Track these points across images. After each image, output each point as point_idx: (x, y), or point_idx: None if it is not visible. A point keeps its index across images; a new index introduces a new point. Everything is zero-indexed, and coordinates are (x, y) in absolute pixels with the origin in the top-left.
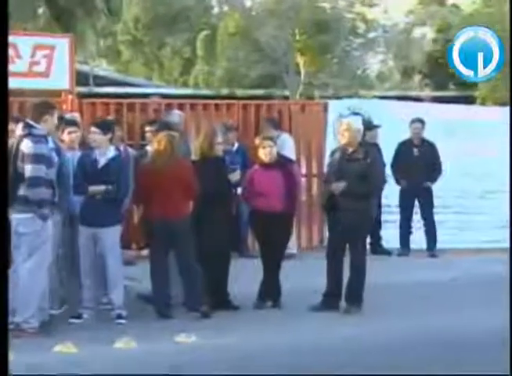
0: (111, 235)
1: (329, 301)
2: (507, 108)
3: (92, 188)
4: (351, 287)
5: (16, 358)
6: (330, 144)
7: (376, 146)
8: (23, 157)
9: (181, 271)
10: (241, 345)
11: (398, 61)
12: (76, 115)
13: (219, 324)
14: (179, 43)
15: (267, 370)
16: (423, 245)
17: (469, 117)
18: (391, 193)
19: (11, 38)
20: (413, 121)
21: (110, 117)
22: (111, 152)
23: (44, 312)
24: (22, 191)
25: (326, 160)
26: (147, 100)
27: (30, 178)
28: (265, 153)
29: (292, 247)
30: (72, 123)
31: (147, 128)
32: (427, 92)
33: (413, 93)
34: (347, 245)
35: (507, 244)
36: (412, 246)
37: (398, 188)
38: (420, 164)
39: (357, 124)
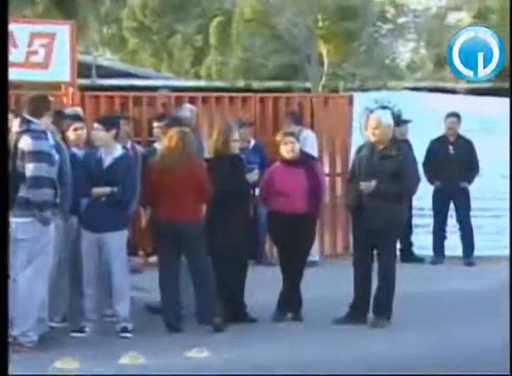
0: (116, 240)
1: (356, 313)
2: None
3: (96, 190)
4: (380, 298)
5: (13, 374)
6: (356, 140)
7: (406, 142)
8: (23, 155)
9: (193, 280)
10: (258, 362)
11: (431, 49)
12: (78, 110)
13: (234, 338)
14: (190, 31)
15: None
16: (459, 252)
17: (508, 111)
18: (423, 194)
19: None
20: (448, 116)
21: (116, 112)
22: (118, 150)
23: (43, 324)
24: (22, 192)
25: (352, 157)
26: (155, 93)
27: (31, 178)
28: (286, 150)
29: (314, 254)
30: (77, 118)
31: (155, 124)
32: (463, 84)
33: (447, 84)
34: (377, 252)
35: None
36: (447, 253)
37: (431, 189)
38: (455, 162)
39: (387, 118)
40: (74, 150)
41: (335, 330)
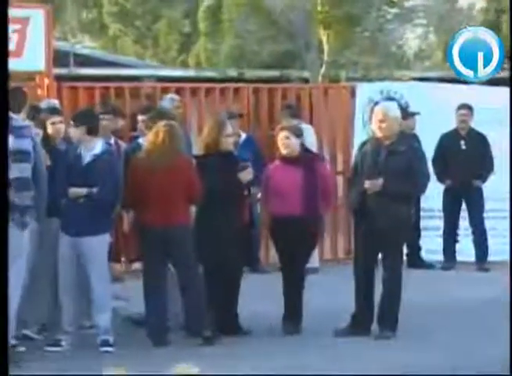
0: (96, 246)
1: (359, 324)
2: None
3: (74, 190)
4: (385, 307)
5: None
6: (359, 135)
7: (414, 137)
8: None
9: (180, 288)
10: None
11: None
12: (54, 102)
13: (226, 352)
14: (177, 15)
15: None
16: (472, 257)
17: None
18: (432, 194)
19: None
20: (459, 108)
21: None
22: (98, 147)
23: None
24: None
25: (354, 154)
26: (139, 84)
27: (14, 179)
28: (283, 146)
29: (314, 260)
30: (54, 112)
31: (140, 117)
32: None
33: None
34: (380, 257)
35: None
36: (458, 258)
37: (441, 188)
38: (467, 159)
39: (394, 111)
40: (61, 146)
41: (336, 343)
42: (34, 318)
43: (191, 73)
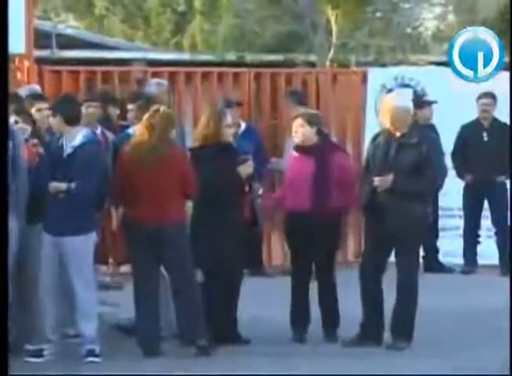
0: (80, 246)
1: (368, 333)
2: None
3: (54, 184)
4: (399, 315)
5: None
6: (370, 125)
7: (431, 128)
8: None
9: (174, 293)
10: None
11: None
12: (36, 87)
13: (223, 363)
14: None
15: None
16: (495, 259)
17: None
18: (451, 190)
19: None
20: (482, 96)
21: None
22: (78, 138)
23: None
24: None
25: (366, 146)
26: (128, 68)
27: None
28: (297, 135)
29: None
30: (38, 97)
31: (130, 106)
32: None
33: None
34: (395, 260)
35: None
36: (480, 261)
37: (461, 184)
38: (490, 152)
39: (403, 100)
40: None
41: (345, 353)
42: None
43: (185, 56)
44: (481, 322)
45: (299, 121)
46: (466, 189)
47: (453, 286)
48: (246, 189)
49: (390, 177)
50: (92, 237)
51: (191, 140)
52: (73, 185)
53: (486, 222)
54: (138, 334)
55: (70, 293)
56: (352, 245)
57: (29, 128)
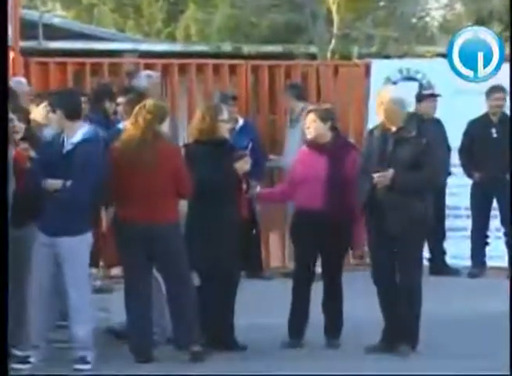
0: (77, 247)
1: (390, 339)
2: None
3: (49, 181)
4: (401, 318)
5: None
6: (374, 120)
7: (438, 123)
8: None
9: (168, 297)
10: None
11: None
12: (21, 80)
13: (219, 370)
14: None
15: None
16: (504, 262)
17: None
18: (459, 189)
19: None
20: (491, 90)
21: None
22: (79, 134)
23: None
24: None
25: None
26: (119, 60)
27: None
28: (309, 130)
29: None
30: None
31: (120, 99)
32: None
33: None
34: (397, 260)
35: None
36: (489, 263)
37: (468, 183)
38: (499, 149)
39: (397, 93)
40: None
41: (345, 357)
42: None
43: (179, 47)
44: (490, 327)
45: (312, 116)
46: (474, 187)
47: (460, 289)
48: (244, 186)
49: (390, 172)
50: (89, 238)
51: (185, 136)
52: (68, 183)
53: (495, 222)
54: (130, 338)
55: (62, 296)
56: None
57: (23, 127)
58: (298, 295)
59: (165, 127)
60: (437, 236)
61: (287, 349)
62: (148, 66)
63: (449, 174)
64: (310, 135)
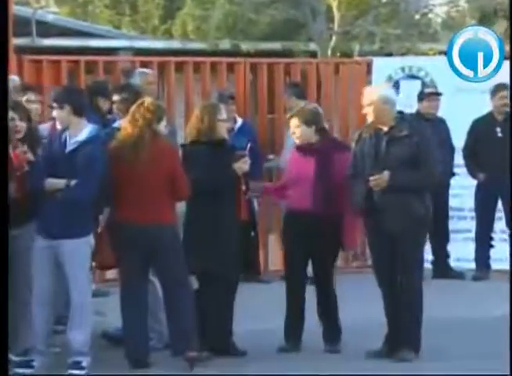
0: (80, 250)
1: (393, 344)
2: None
3: (51, 181)
4: (401, 323)
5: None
6: None
7: (441, 122)
8: None
9: (165, 300)
10: None
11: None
12: (15, 78)
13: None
14: None
15: None
16: (509, 265)
17: None
18: (463, 190)
19: None
20: (496, 88)
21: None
22: (84, 133)
23: None
24: None
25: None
26: (114, 57)
27: None
28: (295, 136)
29: None
30: (30, 88)
31: (115, 97)
32: None
33: None
34: (396, 262)
35: None
36: (494, 266)
37: (473, 183)
38: (504, 149)
39: (385, 91)
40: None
41: (346, 360)
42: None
43: (176, 45)
44: (495, 331)
45: (295, 121)
46: (479, 188)
47: (464, 293)
48: (243, 187)
49: (385, 174)
50: (90, 240)
51: (182, 135)
52: (72, 182)
53: (500, 224)
54: (126, 344)
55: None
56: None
57: (24, 126)
58: (292, 298)
59: (162, 126)
60: (440, 238)
61: (285, 354)
62: (144, 64)
63: (453, 174)
64: (297, 140)
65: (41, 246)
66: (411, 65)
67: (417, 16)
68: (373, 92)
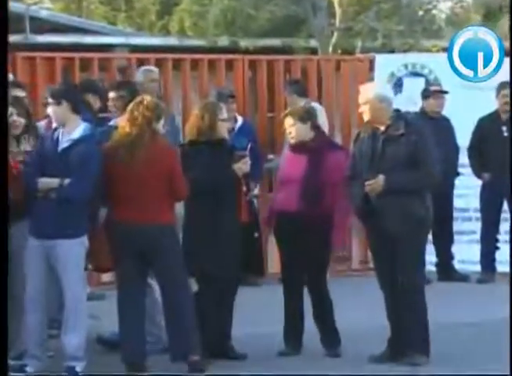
0: (75, 251)
1: (396, 348)
2: None
3: (44, 180)
4: (406, 327)
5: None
6: None
7: (446, 121)
8: None
9: (164, 303)
10: None
11: None
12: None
13: None
14: None
15: None
16: None
17: None
18: (468, 191)
19: None
20: (502, 86)
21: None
22: (78, 131)
23: None
24: None
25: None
26: (110, 54)
27: None
28: (289, 135)
29: None
30: (18, 85)
31: (112, 94)
32: None
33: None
34: (396, 266)
35: None
36: (499, 268)
37: (478, 184)
38: (510, 148)
39: (378, 89)
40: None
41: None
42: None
43: (173, 41)
44: (499, 334)
45: (290, 120)
46: (484, 188)
47: (469, 296)
48: (244, 188)
49: (380, 179)
50: (85, 241)
51: (181, 135)
52: (66, 181)
53: (505, 226)
54: (122, 348)
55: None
56: (357, 251)
57: (23, 122)
58: (289, 301)
59: (161, 126)
60: (444, 239)
61: (285, 358)
62: (140, 61)
63: (457, 174)
64: (292, 140)
65: (33, 246)
66: (414, 62)
67: (421, 12)
68: (369, 91)
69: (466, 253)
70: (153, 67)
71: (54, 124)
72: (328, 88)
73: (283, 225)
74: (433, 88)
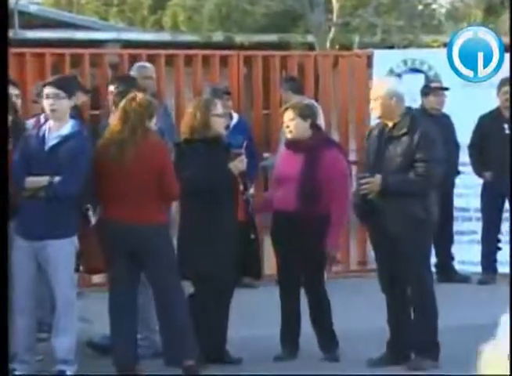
0: (65, 251)
1: (396, 351)
2: None
3: (31, 179)
4: (414, 329)
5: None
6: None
7: (446, 118)
8: None
9: (157, 306)
10: None
11: None
12: None
13: None
14: None
15: None
16: None
17: None
18: (468, 190)
19: None
20: (503, 82)
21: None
22: (67, 127)
23: None
24: None
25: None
26: (101, 50)
27: None
28: (287, 129)
29: None
30: (10, 83)
31: (111, 88)
32: None
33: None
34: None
35: None
36: (501, 269)
37: (479, 183)
38: None
39: (392, 85)
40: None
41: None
42: None
43: (166, 36)
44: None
45: (290, 114)
46: (485, 188)
47: (470, 297)
48: (241, 187)
49: (377, 178)
50: (75, 241)
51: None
52: (56, 179)
53: (506, 226)
54: (114, 352)
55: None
56: (356, 252)
57: (10, 118)
58: (286, 303)
59: (153, 123)
60: (444, 240)
61: (281, 361)
62: (132, 57)
63: (458, 173)
64: (290, 134)
65: (22, 247)
66: (414, 58)
67: (420, 7)
68: (381, 86)
69: (467, 254)
70: (147, 64)
71: (42, 120)
72: (325, 85)
73: (280, 225)
74: (433, 84)
